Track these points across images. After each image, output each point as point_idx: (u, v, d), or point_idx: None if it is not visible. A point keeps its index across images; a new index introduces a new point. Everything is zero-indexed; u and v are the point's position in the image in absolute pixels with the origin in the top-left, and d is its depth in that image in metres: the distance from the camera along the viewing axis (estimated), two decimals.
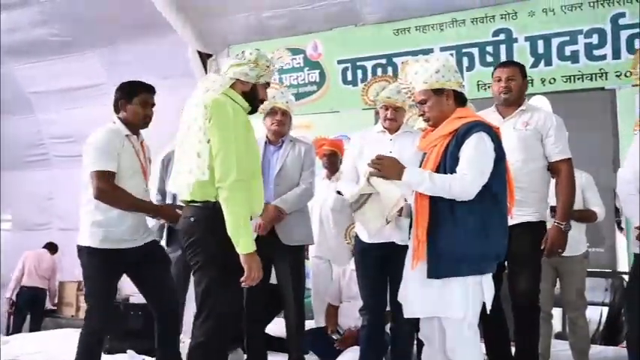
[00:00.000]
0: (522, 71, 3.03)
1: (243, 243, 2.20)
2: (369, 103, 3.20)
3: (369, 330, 2.95)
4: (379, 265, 2.87)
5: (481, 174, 2.21)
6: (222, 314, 2.26)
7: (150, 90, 2.92)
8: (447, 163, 2.28)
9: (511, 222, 2.85)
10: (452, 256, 2.20)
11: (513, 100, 2.98)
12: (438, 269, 2.22)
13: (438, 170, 2.29)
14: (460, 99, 2.40)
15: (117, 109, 2.90)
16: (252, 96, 2.42)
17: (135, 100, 2.86)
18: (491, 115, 3.07)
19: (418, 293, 2.28)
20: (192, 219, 2.30)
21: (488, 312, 2.28)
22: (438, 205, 2.25)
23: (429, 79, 2.36)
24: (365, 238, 2.94)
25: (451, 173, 2.25)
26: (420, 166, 2.40)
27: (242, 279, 2.22)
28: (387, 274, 2.90)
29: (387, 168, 2.36)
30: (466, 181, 2.20)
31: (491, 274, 2.30)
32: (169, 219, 2.88)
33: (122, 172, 2.76)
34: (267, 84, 2.48)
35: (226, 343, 2.38)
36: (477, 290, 2.24)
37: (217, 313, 2.25)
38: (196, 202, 2.28)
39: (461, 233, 2.21)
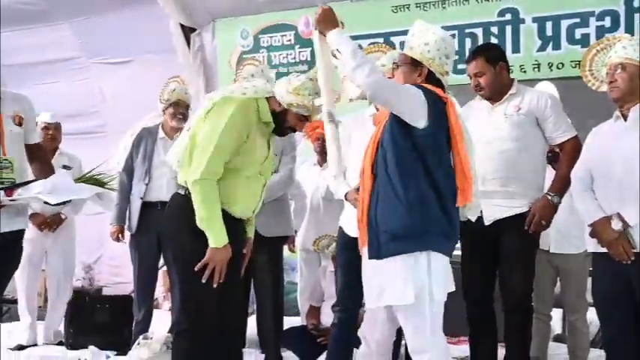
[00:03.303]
0: (491, 59, 2.92)
1: (209, 237, 2.36)
2: None
3: (340, 327, 2.90)
4: (360, 262, 2.79)
5: (386, 85, 2.22)
6: (198, 301, 2.40)
7: None
8: (387, 131, 2.24)
9: (502, 214, 2.85)
10: (390, 235, 2.17)
11: (491, 94, 2.92)
12: (379, 250, 2.19)
13: (380, 140, 2.26)
14: (435, 83, 2.32)
15: None
16: (280, 118, 2.49)
17: None
18: (478, 104, 3.02)
19: (368, 282, 2.27)
20: (168, 206, 2.54)
21: (435, 298, 2.19)
22: (377, 185, 2.24)
23: (415, 46, 2.33)
24: (350, 231, 2.88)
25: (387, 141, 2.24)
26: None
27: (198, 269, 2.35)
28: None
29: (323, 19, 2.39)
30: (376, 74, 2.19)
31: (443, 258, 2.23)
32: None
33: None
34: (305, 117, 2.52)
35: (210, 330, 2.42)
36: (426, 268, 2.17)
37: (190, 299, 2.44)
38: (179, 186, 2.50)
39: (396, 210, 2.18)
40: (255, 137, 2.44)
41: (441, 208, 2.21)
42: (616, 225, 2.39)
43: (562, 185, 2.82)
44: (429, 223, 2.18)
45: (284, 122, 2.50)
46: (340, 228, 2.99)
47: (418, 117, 2.19)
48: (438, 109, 2.21)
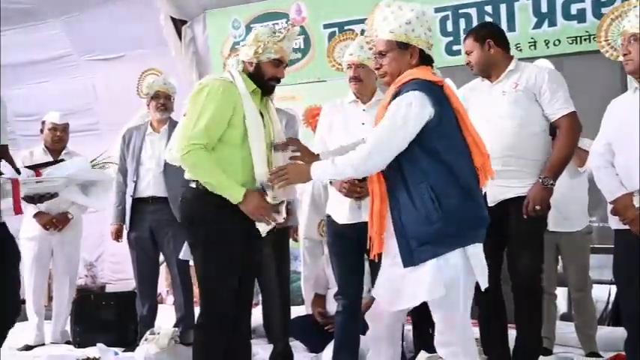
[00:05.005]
0: (479, 37, 2.90)
1: (228, 197, 2.37)
2: (336, 66, 3.10)
3: (344, 316, 2.90)
4: (355, 247, 2.79)
5: (386, 142, 2.12)
6: (212, 292, 2.43)
7: None
8: None
9: (505, 195, 2.82)
10: (418, 241, 2.11)
11: (482, 70, 2.91)
12: (411, 257, 2.13)
13: None
14: (426, 61, 2.26)
15: None
16: (258, 75, 2.51)
17: None
18: (480, 85, 3.02)
19: (394, 285, 2.21)
20: (181, 199, 2.55)
21: (483, 289, 2.19)
22: (393, 190, 2.17)
23: (397, 29, 2.20)
24: (338, 219, 2.88)
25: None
26: None
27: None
28: (363, 255, 2.83)
29: (294, 175, 2.33)
30: (365, 152, 2.13)
31: (478, 247, 2.18)
32: None
33: None
34: (278, 60, 2.51)
35: (227, 322, 2.44)
36: (461, 264, 2.12)
37: (208, 292, 2.44)
38: (189, 180, 2.50)
39: (419, 216, 2.10)
40: (246, 110, 2.44)
41: (465, 197, 2.14)
42: (638, 202, 2.34)
43: (556, 167, 2.78)
44: (456, 221, 2.11)
45: (262, 77, 2.51)
46: (328, 216, 2.97)
47: (423, 119, 2.12)
48: (438, 95, 2.16)
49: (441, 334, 2.18)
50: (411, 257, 2.13)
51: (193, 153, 2.37)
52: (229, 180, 2.38)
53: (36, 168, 2.40)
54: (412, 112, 2.10)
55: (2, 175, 2.25)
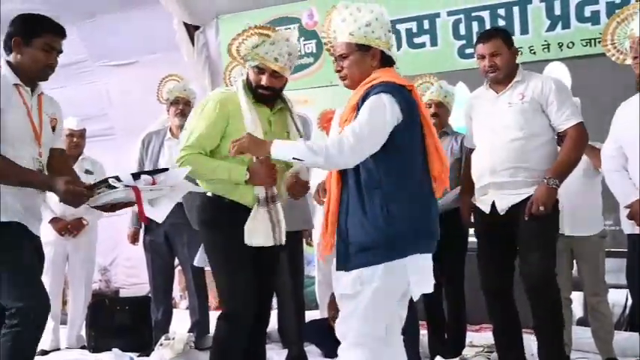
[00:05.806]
0: (507, 40, 2.90)
1: (235, 178, 2.42)
2: None
3: None
4: None
5: (366, 140, 2.05)
6: (225, 292, 2.52)
7: (59, 32, 2.40)
8: None
9: (514, 200, 2.80)
10: (361, 245, 2.06)
11: (505, 76, 2.87)
12: (347, 262, 2.09)
13: None
14: (387, 62, 2.21)
15: (8, 49, 2.35)
16: (249, 84, 2.52)
17: (36, 42, 2.33)
18: (485, 94, 3.00)
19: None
20: (196, 205, 2.63)
21: (414, 299, 2.13)
22: (347, 191, 2.12)
23: (356, 31, 2.14)
24: None
25: None
26: None
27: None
28: None
29: (249, 145, 2.21)
30: (345, 145, 2.04)
31: (422, 257, 2.10)
32: (63, 196, 2.23)
33: (5, 135, 2.23)
34: (258, 68, 2.47)
35: (246, 320, 2.48)
36: (383, 273, 2.05)
37: (224, 288, 2.53)
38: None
39: (368, 218, 2.05)
40: (245, 121, 2.43)
41: (415, 207, 2.09)
42: None
43: (562, 170, 2.77)
44: (401, 231, 2.05)
45: (251, 86, 2.51)
46: None
47: (393, 122, 2.08)
48: (407, 99, 2.12)
49: (339, 324, 2.12)
50: (346, 262, 2.09)
51: (187, 158, 2.44)
52: (227, 169, 2.41)
53: (152, 174, 2.36)
54: (387, 115, 2.07)
55: (121, 182, 2.21)
